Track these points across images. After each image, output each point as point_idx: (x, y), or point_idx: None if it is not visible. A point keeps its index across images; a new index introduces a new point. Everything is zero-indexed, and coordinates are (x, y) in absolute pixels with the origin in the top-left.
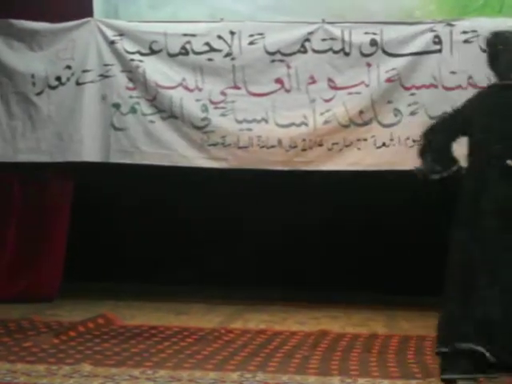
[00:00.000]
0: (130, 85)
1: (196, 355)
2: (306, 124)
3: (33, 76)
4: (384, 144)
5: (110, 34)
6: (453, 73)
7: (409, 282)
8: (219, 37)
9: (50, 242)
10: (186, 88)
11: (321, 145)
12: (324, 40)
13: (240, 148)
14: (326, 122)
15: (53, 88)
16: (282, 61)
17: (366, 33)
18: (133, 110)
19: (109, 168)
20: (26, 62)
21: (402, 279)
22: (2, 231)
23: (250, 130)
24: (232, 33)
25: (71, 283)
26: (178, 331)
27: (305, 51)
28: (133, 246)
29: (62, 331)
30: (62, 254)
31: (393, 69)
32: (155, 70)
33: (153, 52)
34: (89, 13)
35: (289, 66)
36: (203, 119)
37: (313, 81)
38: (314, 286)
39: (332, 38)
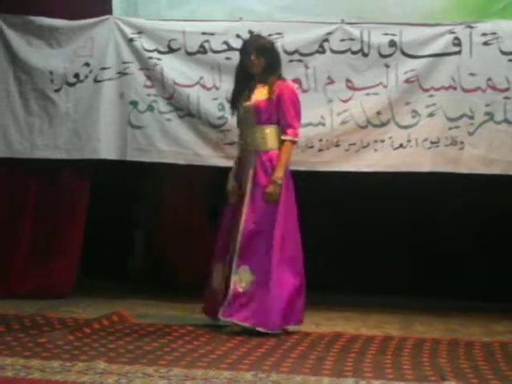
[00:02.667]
0: (148, 83)
1: (210, 354)
2: (323, 124)
3: (51, 73)
4: (401, 145)
5: (128, 31)
6: (472, 75)
7: (427, 284)
8: (238, 36)
9: (66, 239)
10: (204, 86)
11: (338, 145)
12: (343, 40)
13: None
14: (343, 123)
15: (71, 85)
16: (300, 61)
17: (385, 34)
18: (150, 108)
19: (126, 165)
20: (45, 58)
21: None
22: (18, 227)
23: None
24: (251, 32)
25: (86, 280)
26: (192, 330)
27: (323, 51)
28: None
29: (76, 328)
30: (77, 251)
31: (411, 70)
32: (173, 69)
33: (171, 50)
34: (108, 11)
35: (307, 66)
36: (220, 118)
37: (331, 81)
38: (328, 288)
39: (351, 39)
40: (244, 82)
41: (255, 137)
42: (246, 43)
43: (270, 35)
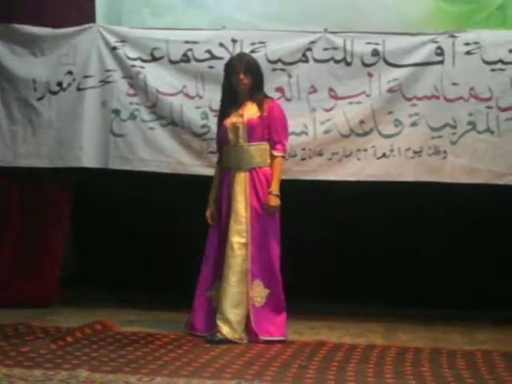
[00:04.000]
0: (131, 91)
1: (193, 363)
2: (306, 133)
3: (34, 81)
4: (384, 155)
5: (111, 39)
6: (455, 84)
7: (410, 293)
8: (221, 44)
9: (49, 248)
10: (187, 95)
11: (320, 154)
12: (326, 49)
13: None
14: (326, 132)
15: (54, 93)
16: (283, 69)
17: (368, 43)
18: (132, 117)
19: (107, 173)
20: (28, 67)
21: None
22: (1, 235)
23: None
24: (234, 41)
25: (69, 289)
26: (175, 338)
27: (306, 60)
28: (133, 251)
29: (59, 336)
30: (59, 259)
31: (394, 79)
32: (156, 77)
33: (154, 59)
34: (91, 19)
35: (290, 75)
36: (203, 126)
37: (314, 90)
38: (312, 297)
39: (334, 48)
40: (230, 99)
41: (249, 154)
42: (233, 62)
43: (253, 44)
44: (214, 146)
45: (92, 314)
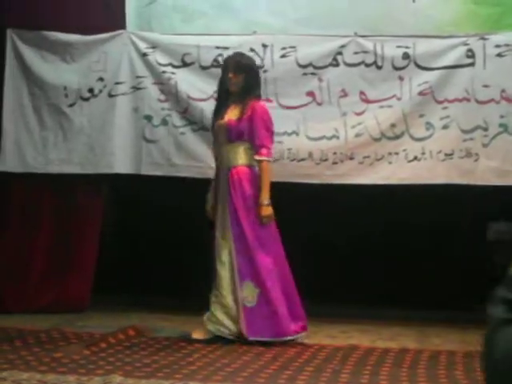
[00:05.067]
0: (162, 97)
1: (226, 367)
2: (337, 137)
3: (65, 88)
4: (415, 158)
5: (142, 46)
6: (486, 86)
7: (440, 296)
8: (251, 49)
9: (81, 254)
10: None
11: (352, 158)
12: (356, 53)
13: None
14: (357, 135)
15: (85, 100)
16: (313, 74)
17: (399, 46)
18: (164, 122)
19: (137, 177)
20: (59, 73)
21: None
22: (33, 242)
23: (280, 142)
24: (264, 46)
25: (102, 295)
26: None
27: (337, 64)
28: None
29: (92, 342)
30: (92, 265)
31: (425, 82)
32: (187, 83)
33: (185, 64)
34: (122, 26)
35: (320, 79)
36: None
37: (344, 94)
38: (343, 300)
39: (364, 51)
40: (223, 99)
41: (227, 154)
42: (226, 60)
43: (283, 48)
44: None
45: (124, 319)
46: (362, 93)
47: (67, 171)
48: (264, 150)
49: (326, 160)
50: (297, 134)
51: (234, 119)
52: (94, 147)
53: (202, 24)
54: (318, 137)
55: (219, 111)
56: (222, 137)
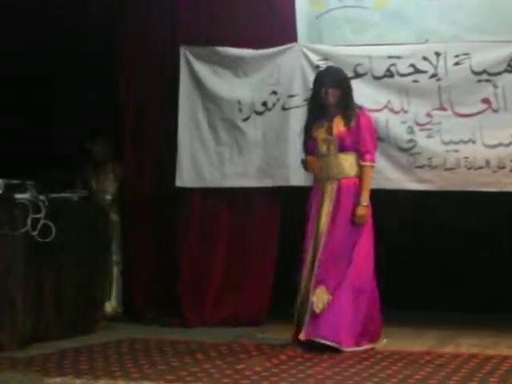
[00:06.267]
0: None
1: (408, 379)
2: None
3: (239, 102)
4: None
5: (314, 58)
6: None
7: None
8: (424, 58)
9: (259, 267)
10: (392, 110)
11: None
12: None
13: (447, 170)
14: None
15: (259, 113)
16: (488, 80)
17: None
18: None
19: None
20: (232, 88)
21: None
22: (210, 256)
23: (456, 151)
24: (437, 54)
25: (278, 307)
26: (388, 355)
27: (511, 70)
28: None
29: (273, 354)
30: (270, 278)
31: None
32: (360, 93)
33: (357, 75)
34: (293, 38)
35: (495, 86)
36: (409, 141)
37: None
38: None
39: None
40: (316, 112)
41: (337, 165)
42: (322, 76)
43: (456, 56)
44: (421, 160)
45: None
46: None
47: (243, 185)
48: (368, 156)
49: (503, 168)
50: (473, 141)
51: (344, 130)
52: (269, 160)
53: (373, 34)
54: (495, 144)
55: (313, 124)
56: (329, 148)
